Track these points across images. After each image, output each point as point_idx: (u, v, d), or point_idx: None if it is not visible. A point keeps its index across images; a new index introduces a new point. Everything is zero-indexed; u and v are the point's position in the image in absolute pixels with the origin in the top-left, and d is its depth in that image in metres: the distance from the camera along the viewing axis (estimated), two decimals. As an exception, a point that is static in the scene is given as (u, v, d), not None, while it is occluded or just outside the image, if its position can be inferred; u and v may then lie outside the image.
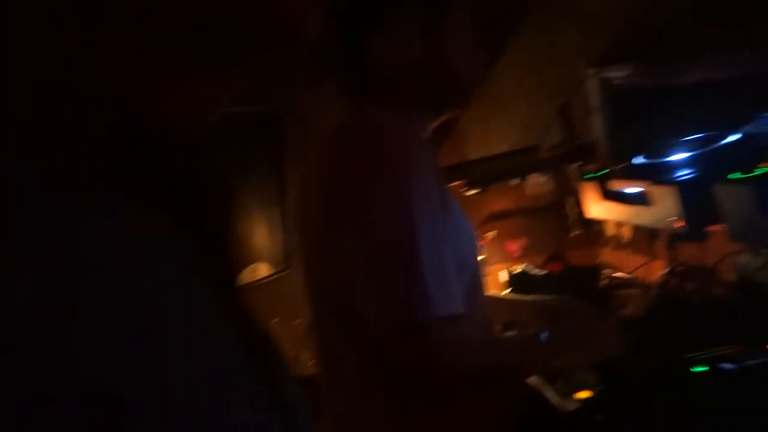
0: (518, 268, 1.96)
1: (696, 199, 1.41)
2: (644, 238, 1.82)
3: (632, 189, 1.63)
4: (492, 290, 1.62)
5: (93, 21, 0.26)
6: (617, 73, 1.98)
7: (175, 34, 0.27)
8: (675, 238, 1.66)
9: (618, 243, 2.01)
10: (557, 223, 2.17)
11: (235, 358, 0.29)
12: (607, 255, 2.06)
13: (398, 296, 0.82)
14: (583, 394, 1.22)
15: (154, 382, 0.22)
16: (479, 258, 1.06)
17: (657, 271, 1.73)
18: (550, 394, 1.26)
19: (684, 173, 1.51)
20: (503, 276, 1.98)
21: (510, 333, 1.39)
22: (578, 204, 2.00)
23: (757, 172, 1.29)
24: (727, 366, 1.12)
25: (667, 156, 1.61)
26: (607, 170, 1.77)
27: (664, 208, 1.48)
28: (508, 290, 1.90)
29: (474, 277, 1.00)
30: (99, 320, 0.21)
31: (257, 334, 0.32)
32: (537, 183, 2.06)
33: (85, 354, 0.21)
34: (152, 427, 0.22)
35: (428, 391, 0.92)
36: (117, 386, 0.21)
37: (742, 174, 1.31)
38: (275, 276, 1.91)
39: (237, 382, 0.28)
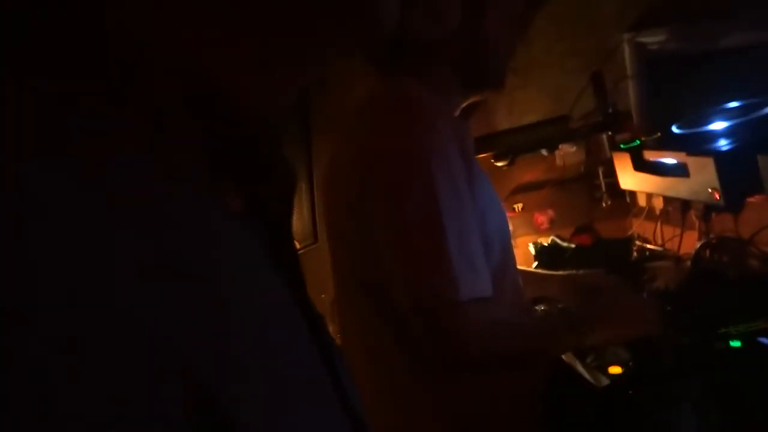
0: (546, 241, 1.94)
1: (735, 171, 1.37)
2: (677, 209, 1.78)
3: (667, 160, 1.59)
4: (520, 263, 1.61)
5: (188, 14, 0.27)
6: (653, 38, 1.91)
7: (265, 27, 0.28)
8: (709, 209, 1.61)
9: (649, 214, 1.97)
10: (587, 194, 2.14)
11: (301, 334, 0.30)
12: (638, 227, 2.02)
13: (424, 279, 0.81)
14: (615, 370, 1.20)
15: (233, 359, 0.23)
16: (509, 232, 1.05)
17: (690, 243, 1.69)
18: (581, 369, 1.25)
19: (722, 143, 1.46)
20: (531, 248, 1.96)
21: (540, 308, 1.38)
22: (610, 175, 1.96)
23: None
24: (764, 340, 1.10)
25: (705, 125, 1.55)
26: (642, 140, 1.72)
27: (700, 180, 1.44)
28: (536, 263, 1.88)
29: (504, 253, 0.99)
30: (178, 297, 0.21)
31: (315, 312, 0.33)
32: (567, 153, 2.01)
33: (164, 330, 0.20)
34: (236, 402, 0.22)
35: (455, 370, 0.91)
36: (198, 365, 0.21)
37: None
38: (301, 251, 1.92)
39: (303, 356, 0.29)
